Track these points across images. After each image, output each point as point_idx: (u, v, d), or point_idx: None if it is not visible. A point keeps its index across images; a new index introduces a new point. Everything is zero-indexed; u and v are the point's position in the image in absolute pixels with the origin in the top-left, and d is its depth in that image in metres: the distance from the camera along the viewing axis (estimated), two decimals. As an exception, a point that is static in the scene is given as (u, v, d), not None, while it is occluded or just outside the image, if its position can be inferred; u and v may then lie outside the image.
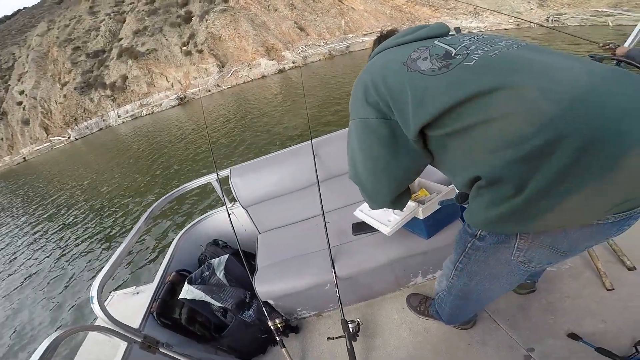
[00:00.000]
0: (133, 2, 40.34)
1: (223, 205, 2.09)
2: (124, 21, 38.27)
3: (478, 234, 0.84)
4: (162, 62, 33.18)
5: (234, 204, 2.13)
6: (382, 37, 1.06)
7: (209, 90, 30.05)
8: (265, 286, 1.61)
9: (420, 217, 1.41)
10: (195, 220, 2.15)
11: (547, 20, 18.13)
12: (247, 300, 1.69)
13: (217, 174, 1.98)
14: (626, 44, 2.34)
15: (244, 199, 1.98)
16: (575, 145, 0.55)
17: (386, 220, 1.47)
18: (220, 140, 11.86)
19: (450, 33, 0.89)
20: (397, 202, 0.98)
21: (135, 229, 1.54)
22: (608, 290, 1.47)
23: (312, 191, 1.87)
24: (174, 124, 20.54)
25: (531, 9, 20.33)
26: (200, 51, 32.28)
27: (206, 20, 33.01)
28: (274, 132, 10.52)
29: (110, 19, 39.06)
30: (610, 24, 14.74)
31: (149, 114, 31.39)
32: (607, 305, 1.43)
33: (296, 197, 1.99)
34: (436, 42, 0.79)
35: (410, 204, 1.46)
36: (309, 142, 1.91)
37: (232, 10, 32.54)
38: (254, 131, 11.63)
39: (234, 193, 1.97)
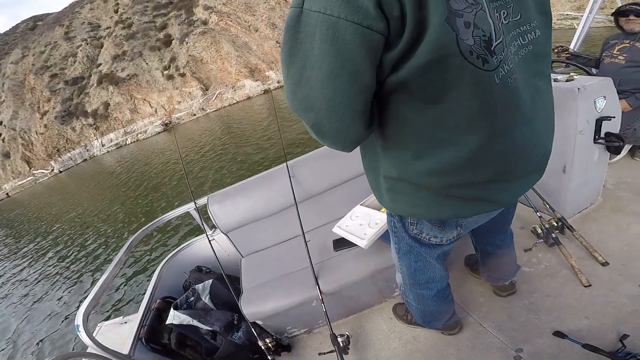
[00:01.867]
0: (109, 27, 40.26)
1: (204, 232, 2.13)
2: (102, 46, 38.05)
3: (392, 214, 1.01)
4: (144, 87, 33.09)
5: (214, 231, 2.15)
6: None
7: (194, 114, 30.01)
8: (252, 307, 1.62)
9: None
10: (178, 249, 2.18)
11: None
12: (235, 322, 1.70)
13: (195, 203, 2.03)
14: (571, 46, 2.52)
15: (223, 225, 2.01)
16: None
17: (362, 234, 1.51)
18: (206, 165, 11.95)
19: None
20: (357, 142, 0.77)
21: (116, 260, 1.61)
22: (586, 286, 1.51)
23: (291, 212, 1.90)
24: (160, 152, 20.49)
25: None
26: (183, 75, 32.39)
27: (186, 43, 33.26)
28: (261, 155, 10.65)
29: (87, 44, 38.75)
30: (577, 26, 15.47)
31: (134, 141, 30.97)
32: (588, 301, 1.46)
33: (276, 219, 2.03)
34: (485, 5, 0.58)
35: (384, 216, 1.52)
36: (284, 164, 1.97)
37: (212, 32, 32.93)
38: (241, 154, 11.75)
39: (213, 220, 2.00)
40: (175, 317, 1.57)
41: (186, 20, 35.96)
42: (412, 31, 0.53)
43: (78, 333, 1.25)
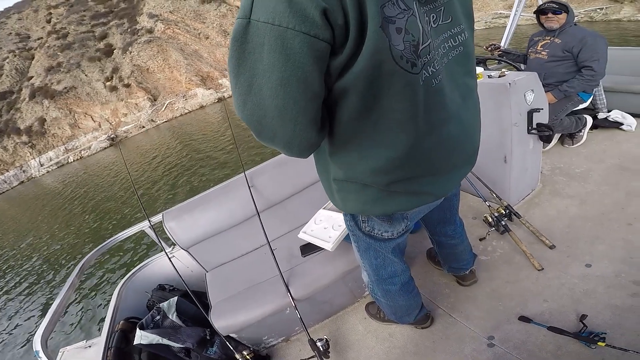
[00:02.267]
0: (41, 37, 36.84)
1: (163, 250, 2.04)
2: (33, 58, 34.80)
3: (346, 213, 1.06)
4: (84, 100, 30.58)
5: (173, 247, 2.07)
6: None
7: (143, 127, 28.31)
8: (223, 321, 1.58)
9: None
10: (136, 268, 2.06)
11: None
12: (208, 337, 1.65)
13: (149, 221, 1.94)
14: (502, 44, 2.75)
15: (182, 241, 1.93)
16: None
17: (327, 237, 1.53)
18: (160, 180, 11.40)
19: None
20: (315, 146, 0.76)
21: (69, 283, 1.57)
22: (539, 270, 1.62)
23: (254, 222, 1.86)
24: (109, 168, 19.19)
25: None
26: (127, 85, 30.47)
27: (130, 53, 31.40)
28: (222, 164, 10.36)
29: (15, 56, 35.11)
30: (509, 25, 16.79)
31: (77, 159, 28.34)
32: (544, 284, 1.55)
33: (239, 230, 1.99)
34: (416, 11, 0.61)
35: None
36: (243, 174, 1.93)
37: (159, 41, 31.45)
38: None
39: (170, 237, 1.92)
40: (142, 337, 1.50)
41: (129, 29, 33.98)
42: (354, 38, 0.56)
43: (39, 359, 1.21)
